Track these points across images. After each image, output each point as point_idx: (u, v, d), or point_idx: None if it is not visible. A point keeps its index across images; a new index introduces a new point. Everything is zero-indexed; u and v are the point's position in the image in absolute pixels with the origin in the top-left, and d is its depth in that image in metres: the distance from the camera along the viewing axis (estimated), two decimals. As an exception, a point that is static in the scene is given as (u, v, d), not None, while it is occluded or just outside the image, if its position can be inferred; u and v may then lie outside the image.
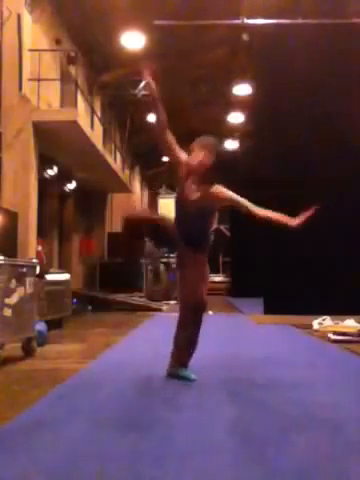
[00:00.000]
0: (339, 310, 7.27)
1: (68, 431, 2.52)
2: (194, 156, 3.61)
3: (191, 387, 3.53)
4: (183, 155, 3.68)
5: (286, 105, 9.47)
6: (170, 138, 3.66)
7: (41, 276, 6.43)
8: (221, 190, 3.63)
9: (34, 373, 4.13)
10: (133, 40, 11.17)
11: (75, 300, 9.91)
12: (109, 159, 11.26)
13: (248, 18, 10.09)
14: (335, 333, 5.99)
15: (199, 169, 3.59)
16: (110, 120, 15.43)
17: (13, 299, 4.49)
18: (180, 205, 3.73)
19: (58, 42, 10.30)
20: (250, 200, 3.60)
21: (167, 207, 25.29)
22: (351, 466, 2.09)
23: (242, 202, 3.62)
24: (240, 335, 6.91)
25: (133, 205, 19.80)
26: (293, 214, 3.77)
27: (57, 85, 10.38)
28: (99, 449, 2.26)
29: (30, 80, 8.25)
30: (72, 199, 12.38)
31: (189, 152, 3.66)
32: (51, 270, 8.42)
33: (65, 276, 8.19)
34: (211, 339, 5.82)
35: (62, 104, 10.60)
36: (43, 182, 9.22)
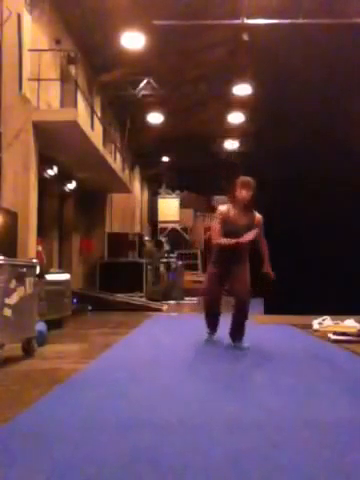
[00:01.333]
0: (339, 310, 7.28)
1: (68, 431, 2.52)
2: (238, 193, 5.20)
3: (192, 386, 3.53)
4: (219, 218, 5.28)
5: (286, 105, 9.47)
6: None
7: (41, 276, 6.43)
8: (260, 219, 5.37)
9: (34, 373, 4.13)
10: (133, 40, 11.15)
11: (75, 300, 9.90)
12: (109, 159, 11.25)
13: (248, 18, 10.08)
14: (335, 333, 5.99)
15: (242, 202, 5.23)
16: (110, 120, 15.42)
17: (13, 299, 4.48)
18: (231, 226, 5.20)
19: (58, 42, 10.28)
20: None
21: (166, 207, 25.36)
22: (350, 465, 2.09)
23: (263, 237, 5.42)
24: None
25: (133, 205, 19.80)
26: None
27: (57, 85, 10.36)
28: (99, 449, 2.26)
29: (30, 80, 8.23)
30: (72, 199, 12.37)
31: (234, 187, 5.26)
32: (51, 270, 8.41)
33: (65, 276, 8.19)
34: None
35: (62, 104, 10.58)
36: (43, 182, 9.20)
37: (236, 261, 5.25)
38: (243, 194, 5.16)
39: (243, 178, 5.24)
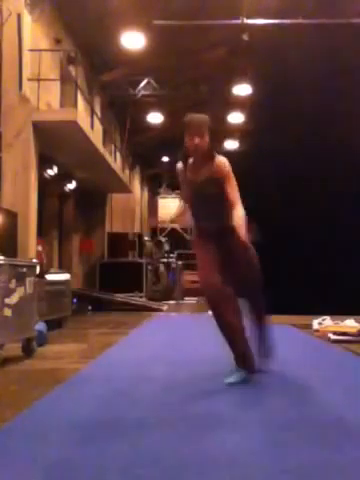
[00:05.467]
0: (339, 310, 7.28)
1: (68, 431, 2.52)
2: (188, 141, 3.54)
3: (192, 386, 3.52)
4: (182, 174, 3.74)
5: (286, 105, 9.47)
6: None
7: (41, 276, 6.43)
8: (224, 164, 3.55)
9: (34, 373, 4.13)
10: (133, 40, 11.16)
11: (75, 300, 9.90)
12: (109, 159, 11.26)
13: (248, 18, 10.09)
14: (335, 333, 5.99)
15: (196, 153, 3.57)
16: (110, 120, 15.42)
17: (13, 299, 4.48)
18: (192, 189, 3.67)
19: (58, 42, 10.29)
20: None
21: (167, 207, 25.35)
22: (349, 466, 2.09)
23: (231, 190, 3.54)
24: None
25: (133, 205, 19.80)
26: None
27: (57, 85, 10.37)
28: (99, 449, 2.26)
29: (30, 80, 8.24)
30: (72, 199, 12.38)
31: (184, 129, 3.58)
32: (51, 270, 8.42)
33: (65, 276, 8.19)
34: (210, 340, 5.81)
35: (62, 104, 10.59)
36: (43, 182, 9.20)
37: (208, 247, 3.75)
38: (196, 141, 3.49)
39: (187, 118, 3.63)
